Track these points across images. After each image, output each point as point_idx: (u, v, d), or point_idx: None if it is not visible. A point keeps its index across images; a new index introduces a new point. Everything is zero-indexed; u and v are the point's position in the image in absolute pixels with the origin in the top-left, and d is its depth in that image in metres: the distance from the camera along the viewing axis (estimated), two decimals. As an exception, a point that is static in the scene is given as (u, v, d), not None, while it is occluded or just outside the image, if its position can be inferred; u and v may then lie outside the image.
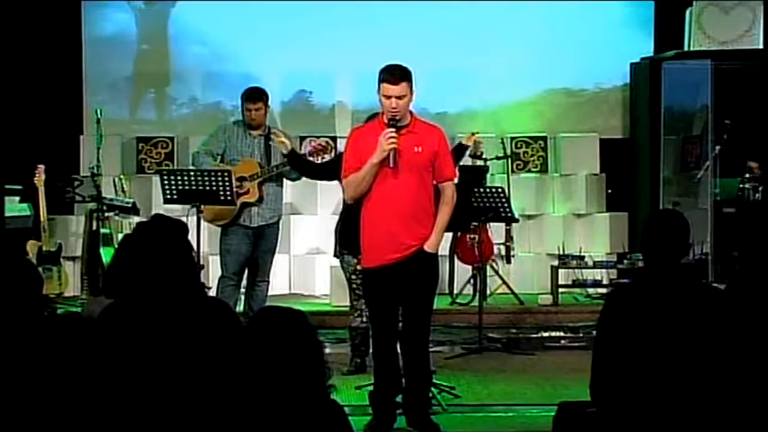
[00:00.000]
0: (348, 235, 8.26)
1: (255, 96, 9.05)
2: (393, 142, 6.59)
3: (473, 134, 9.30)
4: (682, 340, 4.54)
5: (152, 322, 4.38)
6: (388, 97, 6.64)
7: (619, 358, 4.59)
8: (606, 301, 4.97)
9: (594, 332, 9.80)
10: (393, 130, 6.62)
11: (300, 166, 8.74)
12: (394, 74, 6.67)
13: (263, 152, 8.99)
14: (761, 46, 11.14)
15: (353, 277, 8.41)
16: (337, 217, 11.55)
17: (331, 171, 8.67)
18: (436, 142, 6.79)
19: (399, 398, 6.92)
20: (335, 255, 8.71)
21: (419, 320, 6.83)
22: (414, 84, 6.73)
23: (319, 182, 11.44)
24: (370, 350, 8.48)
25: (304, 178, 9.21)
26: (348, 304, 10.28)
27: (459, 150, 8.85)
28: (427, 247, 6.74)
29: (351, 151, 6.82)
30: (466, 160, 10.13)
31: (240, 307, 8.92)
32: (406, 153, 6.65)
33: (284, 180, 9.10)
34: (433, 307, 6.92)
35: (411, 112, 6.79)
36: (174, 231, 4.69)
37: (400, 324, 6.88)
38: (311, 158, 8.87)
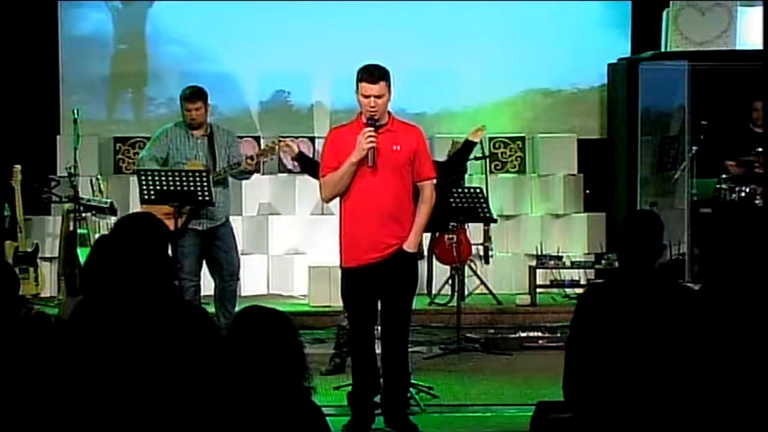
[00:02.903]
0: None
1: (194, 96, 8.92)
2: (372, 141, 6.60)
3: (479, 129, 8.95)
4: (655, 340, 4.56)
5: (123, 321, 4.35)
6: (367, 96, 6.65)
7: (592, 358, 4.60)
8: (579, 301, 4.99)
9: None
10: (372, 129, 6.63)
11: (311, 169, 8.61)
12: (373, 73, 6.68)
13: (207, 153, 8.92)
14: (738, 47, 11.18)
15: None
16: (315, 217, 11.65)
17: None
18: (415, 141, 6.81)
19: (377, 398, 6.92)
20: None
21: (399, 320, 6.82)
22: (392, 84, 6.74)
23: (297, 182, 11.48)
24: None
25: (251, 177, 9.20)
26: (327, 304, 10.30)
27: (467, 147, 8.75)
28: (407, 247, 6.74)
29: (329, 151, 6.81)
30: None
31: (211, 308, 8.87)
32: (384, 152, 6.66)
33: (229, 179, 9.04)
34: (412, 307, 6.92)
35: (389, 112, 6.79)
36: (152, 230, 4.67)
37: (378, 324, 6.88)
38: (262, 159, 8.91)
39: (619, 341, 4.57)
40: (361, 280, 6.75)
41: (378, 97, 6.64)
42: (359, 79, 6.70)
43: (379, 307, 6.84)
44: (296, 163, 8.78)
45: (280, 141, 8.84)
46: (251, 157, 8.86)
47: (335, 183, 6.71)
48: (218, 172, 8.85)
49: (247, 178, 9.26)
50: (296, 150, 8.48)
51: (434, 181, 6.92)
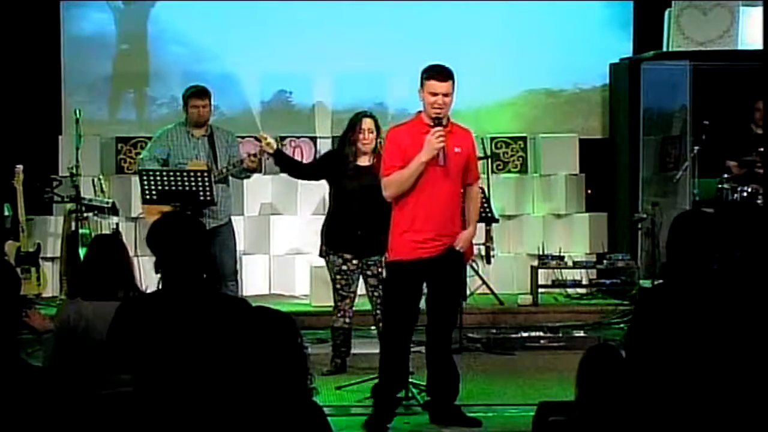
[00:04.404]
0: (334, 234, 8.28)
1: (202, 92, 8.98)
2: (443, 141, 6.64)
3: None
4: (714, 345, 4.56)
5: (171, 317, 4.43)
6: (435, 94, 6.73)
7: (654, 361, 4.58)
8: (640, 303, 4.98)
9: (574, 332, 9.94)
10: (441, 128, 6.68)
11: (286, 166, 8.74)
12: (442, 72, 6.80)
13: (209, 153, 8.93)
14: (740, 47, 11.17)
15: (338, 277, 8.39)
16: (316, 217, 11.63)
17: (316, 171, 8.71)
18: (471, 144, 6.98)
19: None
20: (320, 255, 8.67)
21: (447, 317, 6.95)
22: (456, 86, 6.82)
23: (299, 182, 11.45)
24: (351, 351, 8.53)
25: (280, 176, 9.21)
26: (328, 304, 10.29)
27: None
28: (464, 242, 6.85)
29: (392, 150, 6.85)
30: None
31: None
32: (448, 153, 6.74)
33: (230, 179, 9.06)
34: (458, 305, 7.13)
35: (448, 116, 6.85)
36: (190, 228, 4.71)
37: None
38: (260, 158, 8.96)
39: (685, 343, 4.56)
40: (409, 274, 6.79)
41: (445, 95, 6.73)
42: (426, 78, 6.78)
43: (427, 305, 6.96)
44: (271, 159, 8.79)
45: (260, 136, 8.87)
46: (254, 154, 8.91)
47: (403, 181, 6.73)
48: (220, 170, 8.87)
49: (248, 177, 9.29)
50: (275, 146, 8.53)
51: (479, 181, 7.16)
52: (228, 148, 9.01)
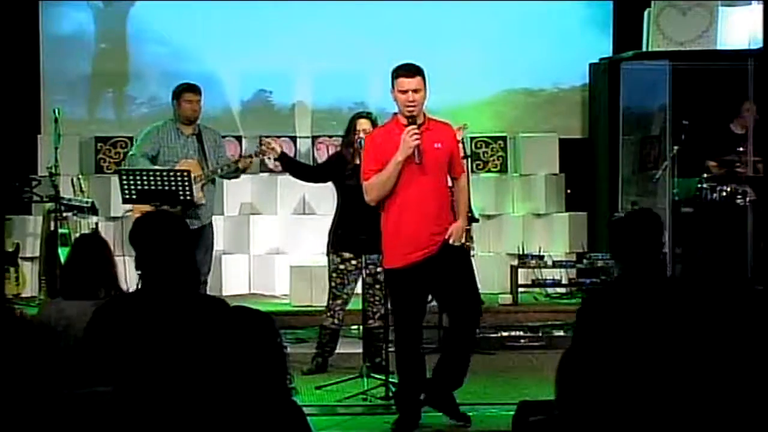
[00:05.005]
0: (338, 233, 8.28)
1: (195, 88, 8.97)
2: (417, 138, 6.64)
3: (462, 127, 8.79)
4: (665, 340, 4.56)
5: (150, 316, 4.41)
6: (404, 92, 6.72)
7: (599, 361, 4.59)
8: (583, 306, 4.99)
9: (553, 332, 9.95)
10: (415, 126, 6.68)
11: (292, 169, 8.73)
12: (409, 69, 6.79)
13: (199, 152, 8.91)
14: (719, 47, 11.21)
15: (333, 275, 8.39)
16: (296, 217, 11.65)
17: (321, 173, 8.71)
18: (452, 139, 6.96)
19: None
20: (326, 254, 8.63)
21: (470, 311, 6.90)
22: (427, 82, 6.80)
23: (279, 182, 11.47)
24: (335, 350, 8.52)
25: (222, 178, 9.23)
26: (308, 303, 10.30)
27: None
28: (456, 235, 6.81)
29: (370, 154, 6.85)
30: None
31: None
32: (428, 150, 6.73)
33: (216, 179, 9.05)
34: (480, 293, 7.12)
35: (424, 113, 6.84)
36: (174, 227, 4.70)
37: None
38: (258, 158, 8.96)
39: (634, 344, 4.57)
40: (408, 280, 6.77)
41: (415, 91, 6.72)
42: (395, 77, 6.78)
43: (436, 302, 7.03)
44: (277, 164, 8.83)
45: (261, 142, 8.88)
46: (249, 156, 8.92)
47: (383, 184, 6.73)
48: (213, 170, 8.85)
49: (236, 177, 9.25)
50: (279, 150, 8.57)
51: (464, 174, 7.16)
52: (216, 148, 9.00)
